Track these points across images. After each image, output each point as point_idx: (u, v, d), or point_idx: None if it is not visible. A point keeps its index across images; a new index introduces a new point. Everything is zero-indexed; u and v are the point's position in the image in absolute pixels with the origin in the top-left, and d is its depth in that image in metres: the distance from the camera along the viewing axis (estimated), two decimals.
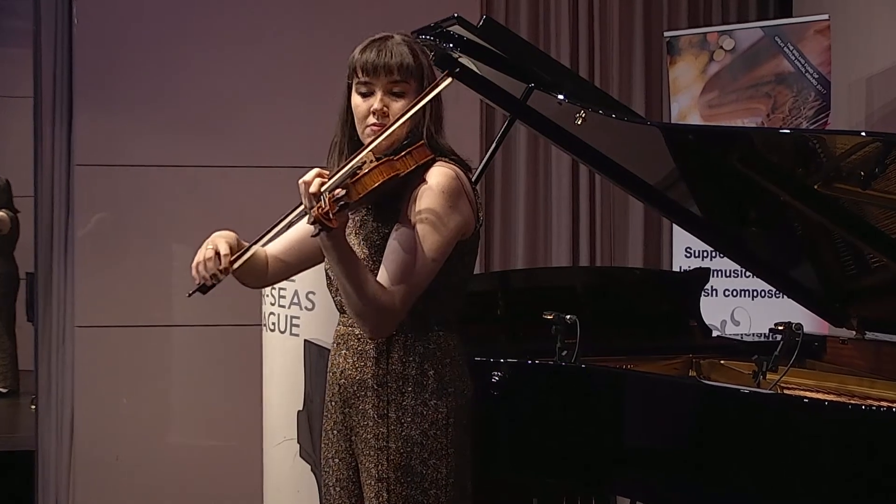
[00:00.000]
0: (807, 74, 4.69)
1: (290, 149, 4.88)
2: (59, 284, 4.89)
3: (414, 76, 2.21)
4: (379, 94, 2.19)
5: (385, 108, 2.19)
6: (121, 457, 4.89)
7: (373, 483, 2.21)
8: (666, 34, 5.12)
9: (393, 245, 2.13)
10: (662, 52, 5.19)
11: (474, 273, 2.37)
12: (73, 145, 4.90)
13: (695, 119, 4.96)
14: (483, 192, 5.18)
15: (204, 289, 2.24)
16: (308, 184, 2.02)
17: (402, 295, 2.11)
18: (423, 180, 2.17)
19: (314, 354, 3.24)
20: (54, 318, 4.90)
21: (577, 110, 2.87)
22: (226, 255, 2.21)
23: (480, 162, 3.08)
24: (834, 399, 2.61)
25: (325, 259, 2.29)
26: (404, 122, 2.16)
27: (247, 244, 2.28)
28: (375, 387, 2.22)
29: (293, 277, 3.75)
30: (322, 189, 2.01)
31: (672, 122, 4.98)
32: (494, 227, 5.29)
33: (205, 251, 2.22)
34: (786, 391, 2.69)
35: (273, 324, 3.87)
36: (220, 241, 2.23)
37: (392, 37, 2.24)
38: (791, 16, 5.24)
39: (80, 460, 4.88)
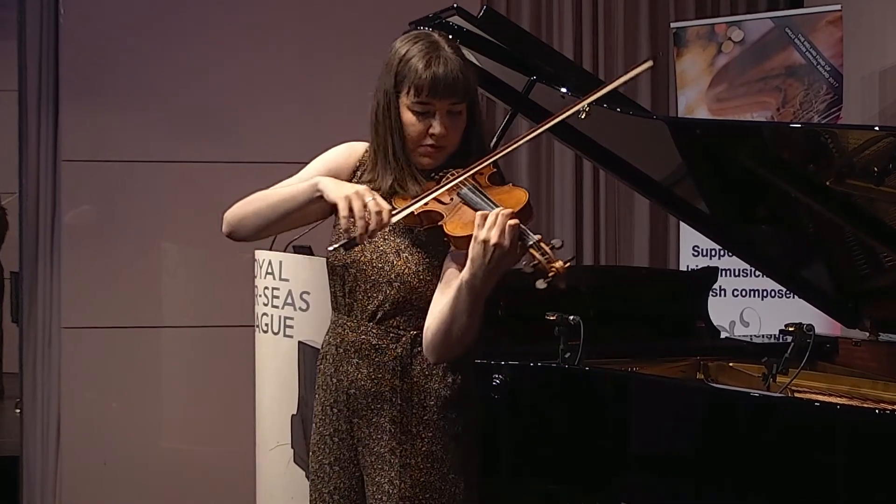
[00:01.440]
0: (818, 67, 4.69)
1: (282, 144, 4.88)
2: (45, 284, 4.89)
3: (471, 92, 2.16)
4: (439, 117, 2.13)
5: (445, 132, 2.14)
6: (108, 462, 4.89)
7: (384, 499, 2.18)
8: (672, 25, 5.12)
9: None
10: (669, 44, 5.19)
11: None
12: (60, 140, 4.90)
13: (702, 113, 4.96)
14: None
15: (351, 244, 2.04)
16: (503, 227, 1.93)
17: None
18: None
19: (309, 357, 3.24)
20: (40, 318, 4.90)
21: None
22: (388, 211, 2.04)
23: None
24: (846, 402, 2.61)
25: (338, 254, 2.21)
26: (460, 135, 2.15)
27: None
28: (398, 402, 2.18)
29: (286, 277, 3.79)
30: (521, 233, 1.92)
31: (679, 116, 4.97)
32: None
33: (368, 202, 2.03)
34: (797, 394, 2.69)
35: (266, 325, 3.87)
36: (376, 194, 2.06)
37: (440, 45, 2.15)
38: (802, 6, 5.24)
39: (66, 466, 4.88)
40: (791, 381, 2.66)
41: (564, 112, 2.21)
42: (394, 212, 2.05)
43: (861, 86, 4.85)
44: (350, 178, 2.27)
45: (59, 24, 4.87)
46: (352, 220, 2.03)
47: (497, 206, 2.00)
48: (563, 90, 2.89)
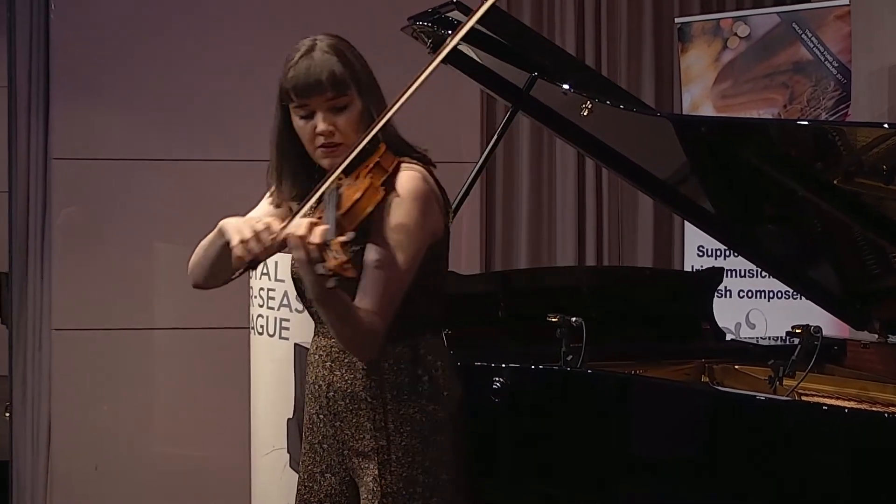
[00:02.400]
0: (826, 63, 4.69)
1: None
2: (35, 285, 4.89)
3: (350, 86, 2.18)
4: (320, 115, 2.18)
5: (331, 128, 2.18)
6: (100, 467, 4.88)
7: (370, 497, 2.22)
8: (677, 20, 5.12)
9: (371, 266, 2.14)
10: (673, 40, 5.19)
11: (477, 273, 2.38)
12: (50, 138, 4.90)
13: (707, 110, 4.96)
14: (484, 188, 5.18)
15: (252, 265, 2.12)
16: (305, 238, 1.95)
17: (385, 316, 2.12)
18: (392, 189, 2.16)
19: (305, 359, 3.24)
20: (29, 320, 4.90)
21: (584, 101, 2.87)
22: (270, 232, 2.10)
23: (481, 155, 3.08)
24: (855, 406, 2.61)
25: (298, 272, 2.26)
26: (362, 130, 2.16)
27: None
28: (370, 399, 2.24)
29: (282, 278, 3.79)
30: (327, 237, 1.95)
31: (683, 113, 4.98)
32: (496, 225, 5.29)
33: (254, 225, 2.10)
34: (804, 398, 2.69)
35: (261, 327, 3.87)
36: (263, 219, 2.13)
37: (315, 44, 2.20)
38: (809, 0, 5.24)
39: (57, 471, 4.88)
40: (798, 385, 2.66)
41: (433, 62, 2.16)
42: (280, 227, 2.10)
43: (870, 82, 4.85)
44: None
45: (50, 20, 4.87)
46: (245, 248, 2.09)
47: (334, 209, 2.02)
48: (566, 86, 2.89)
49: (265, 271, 3.85)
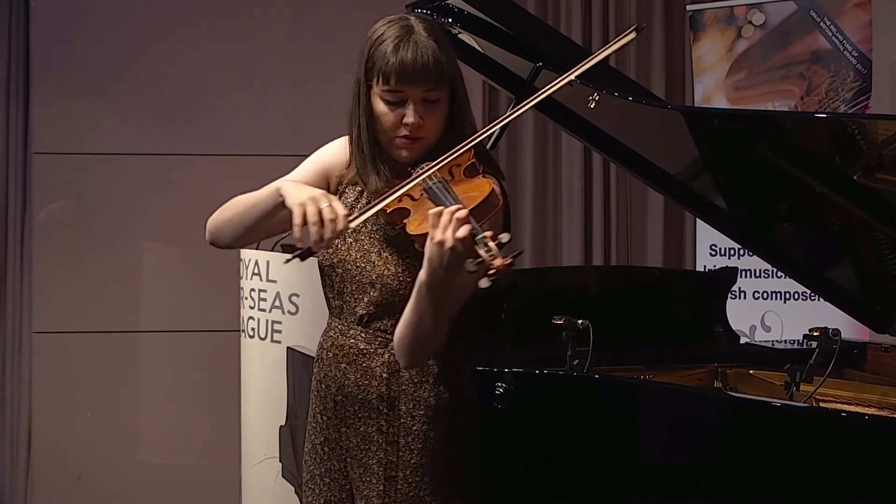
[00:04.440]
0: (845, 53, 4.69)
1: (266, 136, 4.89)
2: (15, 286, 4.89)
3: (446, 79, 2.16)
4: (412, 106, 2.14)
5: (420, 122, 2.14)
6: (83, 477, 4.89)
7: None
8: (689, 8, 5.12)
9: None
10: (685, 28, 5.19)
11: None
12: (31, 132, 4.91)
13: (720, 102, 4.96)
14: None
15: (307, 254, 2.02)
16: (457, 228, 1.91)
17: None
18: None
19: (298, 363, 3.24)
20: (9, 323, 4.90)
21: (591, 92, 2.86)
22: (345, 216, 2.03)
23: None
24: (875, 413, 2.61)
25: (332, 259, 2.24)
26: (441, 127, 2.16)
27: None
28: (384, 410, 2.21)
29: (274, 278, 3.79)
30: (475, 235, 1.90)
31: (695, 105, 4.98)
32: None
33: (322, 209, 2.02)
34: (822, 404, 2.69)
35: (252, 329, 3.87)
36: (334, 199, 2.06)
37: (414, 28, 2.14)
38: None
39: (38, 480, 4.88)
40: (816, 390, 2.66)
41: (546, 90, 2.24)
42: (351, 217, 2.05)
43: (891, 73, 4.85)
44: (342, 176, 2.28)
45: (30, 9, 4.87)
46: (306, 228, 2.03)
47: (456, 203, 1.99)
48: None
49: (256, 271, 3.85)
